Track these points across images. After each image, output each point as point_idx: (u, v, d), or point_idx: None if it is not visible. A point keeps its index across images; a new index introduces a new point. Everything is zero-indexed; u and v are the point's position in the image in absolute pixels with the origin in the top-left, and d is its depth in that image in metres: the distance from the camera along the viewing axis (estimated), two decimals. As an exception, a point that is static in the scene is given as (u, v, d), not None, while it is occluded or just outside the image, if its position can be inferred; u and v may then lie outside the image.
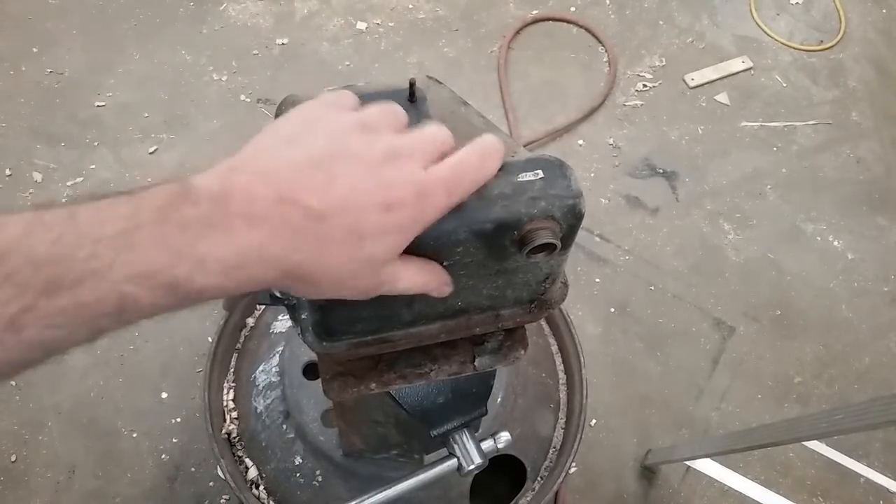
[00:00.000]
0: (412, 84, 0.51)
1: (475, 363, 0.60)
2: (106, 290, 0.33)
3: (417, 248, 0.42)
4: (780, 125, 1.88)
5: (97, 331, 0.34)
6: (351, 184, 0.37)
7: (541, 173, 0.44)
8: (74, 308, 0.32)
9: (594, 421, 1.44)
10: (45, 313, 0.32)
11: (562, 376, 1.18)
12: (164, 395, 1.40)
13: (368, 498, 0.75)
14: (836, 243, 1.72)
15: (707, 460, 1.35)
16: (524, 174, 0.44)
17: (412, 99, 0.51)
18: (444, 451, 0.77)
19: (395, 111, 0.43)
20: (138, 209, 0.34)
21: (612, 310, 1.57)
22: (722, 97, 1.90)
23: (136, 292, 0.33)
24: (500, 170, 0.43)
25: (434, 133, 0.42)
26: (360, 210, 0.37)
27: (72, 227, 0.33)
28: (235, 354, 1.15)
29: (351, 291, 0.41)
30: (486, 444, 0.77)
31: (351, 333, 0.51)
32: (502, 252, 0.46)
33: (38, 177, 1.62)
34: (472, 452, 0.74)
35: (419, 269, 0.43)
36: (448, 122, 0.44)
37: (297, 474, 1.01)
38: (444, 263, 0.45)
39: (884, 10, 2.11)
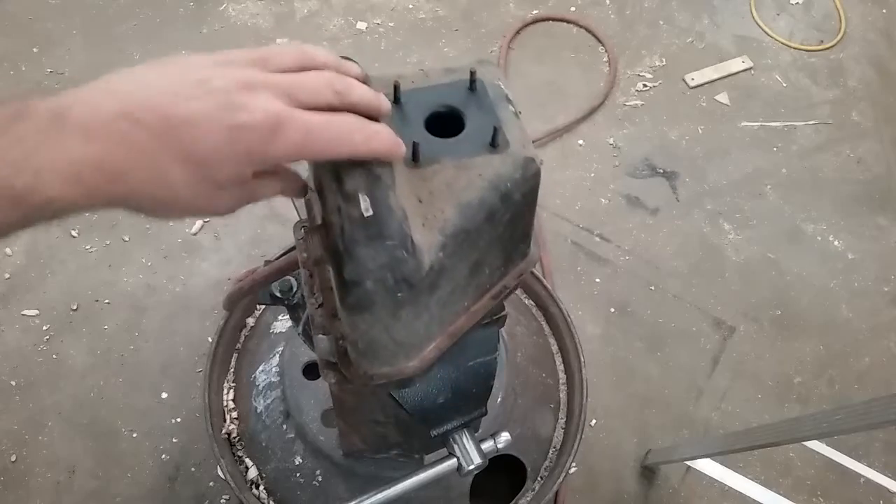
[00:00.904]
0: (472, 73, 0.52)
1: None
2: None
3: None
4: (780, 125, 1.88)
5: None
6: (197, 106, 0.37)
7: None
8: None
9: (594, 421, 1.44)
10: None
11: (562, 376, 1.18)
12: (165, 395, 1.40)
13: (368, 498, 0.75)
14: (836, 243, 1.71)
15: (707, 460, 1.35)
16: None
17: (472, 88, 0.52)
18: (444, 451, 0.77)
19: (273, 52, 0.42)
20: None
21: (613, 310, 1.57)
22: (722, 97, 1.90)
23: None
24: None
25: (314, 80, 0.41)
26: (203, 130, 0.37)
27: None
28: (235, 354, 1.15)
29: (205, 211, 0.41)
30: (486, 445, 0.77)
31: None
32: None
33: (38, 177, 1.62)
34: (471, 452, 0.74)
35: (275, 179, 0.44)
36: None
37: (297, 474, 1.01)
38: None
39: (884, 10, 2.11)
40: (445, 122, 0.51)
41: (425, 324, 0.53)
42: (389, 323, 0.51)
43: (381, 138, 0.43)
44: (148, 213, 0.40)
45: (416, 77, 0.53)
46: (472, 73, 0.52)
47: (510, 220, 0.52)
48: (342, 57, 0.47)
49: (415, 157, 0.47)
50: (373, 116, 0.43)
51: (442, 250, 0.47)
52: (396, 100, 0.50)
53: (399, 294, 0.48)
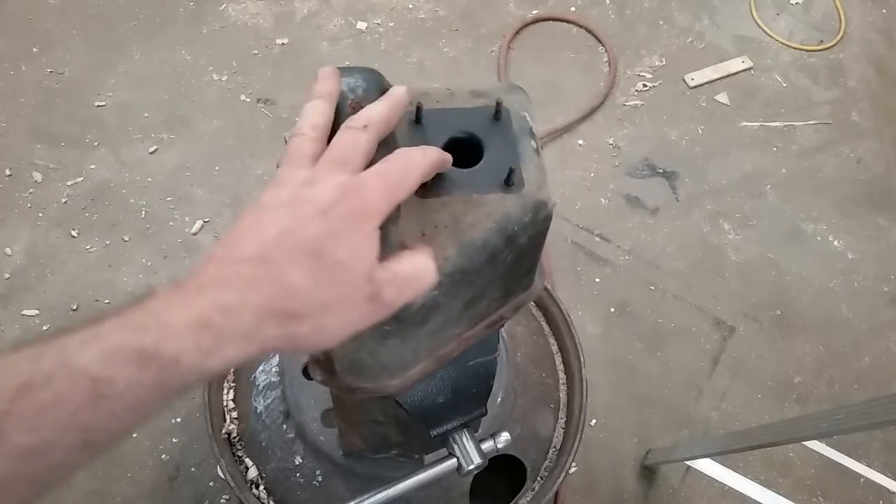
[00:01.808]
0: (499, 104, 0.51)
1: None
2: (77, 376, 0.32)
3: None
4: (780, 125, 1.88)
5: (83, 429, 0.33)
6: (276, 219, 0.38)
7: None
8: (52, 403, 0.32)
9: (594, 421, 1.44)
10: (24, 415, 0.32)
11: (562, 376, 1.17)
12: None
13: (368, 498, 0.75)
14: (836, 243, 1.72)
15: (707, 460, 1.35)
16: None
17: (497, 117, 0.51)
18: (443, 451, 0.77)
19: (297, 147, 0.43)
20: (104, 316, 0.35)
21: (612, 310, 1.57)
22: (722, 97, 1.90)
23: (107, 372, 0.33)
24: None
25: (340, 139, 0.43)
26: (297, 230, 0.38)
27: (43, 343, 0.34)
28: (235, 354, 1.14)
29: (356, 310, 0.40)
30: (486, 444, 0.77)
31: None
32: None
33: (38, 177, 1.62)
34: (471, 452, 0.74)
35: (410, 253, 0.43)
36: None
37: (297, 474, 1.01)
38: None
39: (884, 10, 2.11)
40: (464, 150, 0.50)
41: (412, 350, 0.53)
42: (375, 349, 0.51)
43: (431, 153, 0.45)
44: (304, 339, 0.39)
45: (442, 96, 0.52)
46: (498, 104, 0.51)
47: (514, 259, 0.51)
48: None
49: (425, 185, 0.47)
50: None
51: (437, 289, 0.46)
52: (418, 119, 0.50)
53: (386, 327, 0.48)
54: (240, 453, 1.05)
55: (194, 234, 1.58)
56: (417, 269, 0.43)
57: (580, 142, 1.79)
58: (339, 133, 0.44)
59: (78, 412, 0.33)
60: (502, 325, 0.60)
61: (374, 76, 0.51)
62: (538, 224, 0.50)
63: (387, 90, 0.49)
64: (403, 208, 0.45)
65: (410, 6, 1.97)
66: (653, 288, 1.61)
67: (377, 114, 0.45)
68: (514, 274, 0.54)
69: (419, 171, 0.43)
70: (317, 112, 0.45)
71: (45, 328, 1.44)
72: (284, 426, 1.03)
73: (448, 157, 0.47)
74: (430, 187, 0.47)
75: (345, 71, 0.50)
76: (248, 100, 1.77)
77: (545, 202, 0.49)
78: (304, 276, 0.37)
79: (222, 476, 1.00)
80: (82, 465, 0.35)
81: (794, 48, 2.00)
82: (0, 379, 0.32)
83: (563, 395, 1.15)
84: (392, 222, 0.44)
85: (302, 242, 0.37)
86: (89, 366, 0.33)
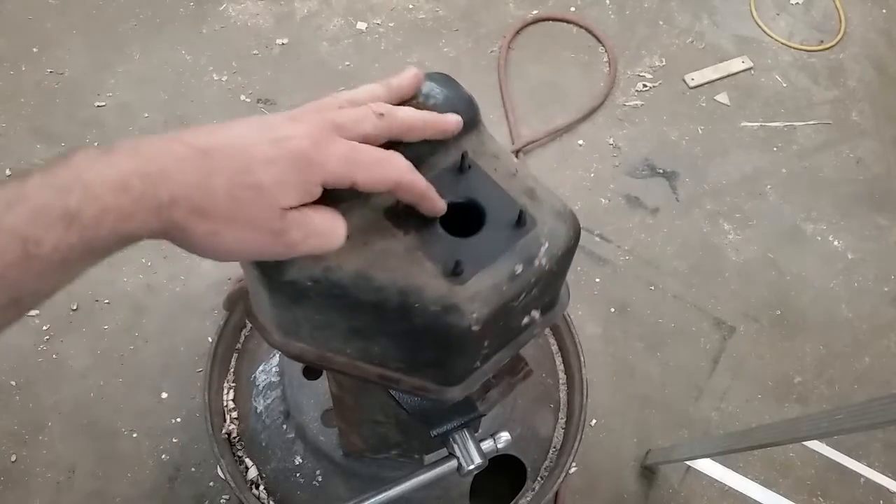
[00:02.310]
0: (464, 156, 0.49)
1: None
2: (6, 235, 0.33)
3: None
4: (780, 125, 1.88)
5: (12, 287, 0.34)
6: (240, 130, 0.40)
7: None
8: None
9: (594, 421, 1.44)
10: None
11: (562, 376, 1.18)
12: (164, 395, 1.40)
13: (368, 498, 0.75)
14: (836, 243, 1.71)
15: (707, 460, 1.35)
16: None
17: (462, 170, 0.50)
18: (444, 451, 0.76)
19: (324, 101, 0.45)
20: (30, 170, 0.35)
21: (612, 310, 1.57)
22: (722, 97, 1.90)
23: (35, 232, 0.34)
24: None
25: (348, 110, 0.44)
26: (248, 144, 0.39)
27: None
28: (235, 354, 1.15)
29: (258, 235, 0.40)
30: (486, 444, 0.77)
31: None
32: None
33: (38, 177, 1.62)
34: (471, 452, 0.74)
35: (332, 212, 0.44)
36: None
37: (298, 474, 1.01)
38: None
39: (884, 10, 2.11)
40: (461, 216, 0.49)
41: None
42: (261, 301, 0.54)
43: (418, 179, 0.45)
44: (196, 235, 0.39)
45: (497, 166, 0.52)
46: (464, 155, 0.49)
47: (542, 286, 0.51)
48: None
49: (455, 272, 0.46)
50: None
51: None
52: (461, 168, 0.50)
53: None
54: (240, 453, 1.05)
55: (194, 234, 1.57)
56: (328, 226, 0.43)
57: (580, 142, 1.79)
58: (358, 106, 0.45)
59: (7, 271, 0.34)
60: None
61: (455, 90, 0.51)
62: (568, 242, 0.50)
63: (471, 110, 0.50)
64: None
65: (410, 6, 1.97)
66: (653, 288, 1.61)
67: (406, 117, 0.46)
68: (540, 297, 0.54)
69: (394, 175, 0.44)
70: (365, 91, 0.46)
71: (45, 328, 1.44)
72: (284, 426, 1.03)
73: (440, 207, 0.46)
74: (459, 273, 0.46)
75: (430, 76, 0.51)
76: (248, 100, 1.77)
77: (565, 219, 0.49)
78: (226, 183, 0.38)
79: (222, 476, 1.00)
80: (8, 325, 0.36)
81: (794, 48, 2.00)
82: None
83: (563, 395, 1.15)
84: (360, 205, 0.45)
85: (242, 156, 0.39)
86: (18, 225, 0.33)
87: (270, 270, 0.47)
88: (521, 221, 0.48)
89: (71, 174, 0.35)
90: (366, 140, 0.43)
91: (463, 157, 0.49)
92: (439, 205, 0.47)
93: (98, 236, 0.36)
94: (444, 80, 0.52)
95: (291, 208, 0.41)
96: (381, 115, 0.44)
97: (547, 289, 0.53)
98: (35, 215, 0.34)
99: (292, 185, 0.40)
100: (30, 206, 0.34)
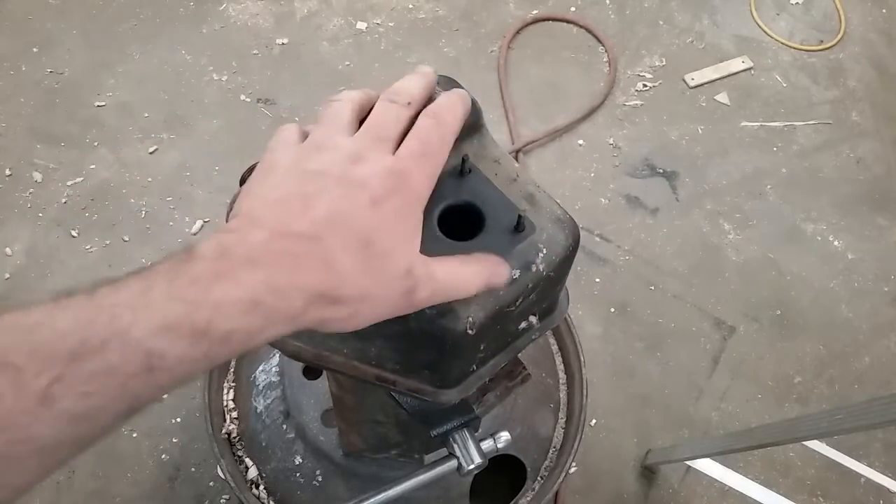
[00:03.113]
0: (464, 160, 0.48)
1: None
2: (131, 348, 0.33)
3: None
4: (780, 125, 1.88)
5: (132, 397, 0.34)
6: (328, 197, 0.38)
7: None
8: (104, 372, 0.32)
9: (594, 421, 1.44)
10: (76, 381, 0.32)
11: (562, 376, 1.17)
12: (164, 395, 1.40)
13: (368, 498, 0.75)
14: (836, 243, 1.71)
15: (707, 460, 1.35)
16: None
17: (462, 173, 0.49)
18: (443, 451, 0.76)
19: (337, 112, 0.43)
20: (149, 275, 0.34)
21: (612, 310, 1.57)
22: (722, 97, 1.90)
23: (160, 346, 0.33)
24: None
25: (383, 114, 0.42)
26: (349, 214, 0.38)
27: (90, 300, 0.33)
28: (235, 354, 1.14)
29: (390, 302, 0.40)
30: (486, 444, 0.77)
31: None
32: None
33: (38, 177, 1.62)
34: (471, 452, 0.74)
35: (460, 262, 0.43)
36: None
37: (298, 474, 1.01)
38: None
39: (884, 10, 2.11)
40: (460, 219, 0.48)
41: None
42: None
43: (450, 105, 0.45)
44: (337, 320, 0.39)
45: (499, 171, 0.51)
46: (465, 159, 0.48)
47: (540, 291, 0.50)
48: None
49: None
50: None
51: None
52: (462, 172, 0.49)
53: None
54: (240, 453, 1.05)
55: (194, 235, 1.58)
56: (457, 278, 0.42)
57: (580, 142, 1.79)
58: (381, 105, 0.43)
59: (129, 382, 0.33)
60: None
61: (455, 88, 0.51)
62: (567, 249, 0.49)
63: (473, 114, 0.49)
64: None
65: (410, 6, 1.97)
66: (653, 288, 1.61)
67: (420, 92, 0.44)
68: (538, 302, 0.53)
69: (453, 135, 0.44)
70: (364, 94, 0.45)
71: (45, 328, 1.44)
72: (284, 426, 1.03)
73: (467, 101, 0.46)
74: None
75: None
76: (248, 100, 1.77)
77: (564, 226, 0.49)
78: (353, 263, 0.37)
79: (222, 476, 1.00)
80: (119, 427, 0.35)
81: (794, 48, 2.00)
82: (52, 340, 0.32)
83: (563, 395, 1.15)
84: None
85: (353, 228, 0.37)
86: (144, 338, 0.33)
87: None
88: (519, 227, 0.47)
89: (197, 289, 0.34)
90: (406, 133, 0.42)
91: (463, 160, 0.48)
92: (466, 101, 0.46)
93: (224, 353, 0.35)
94: (447, 82, 0.51)
95: (415, 265, 0.40)
96: (409, 103, 0.43)
97: (545, 294, 0.53)
98: (164, 330, 0.33)
99: (407, 236, 0.40)
100: (157, 319, 0.33)
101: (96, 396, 0.32)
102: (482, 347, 0.51)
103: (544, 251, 0.48)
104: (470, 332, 0.46)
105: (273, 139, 0.44)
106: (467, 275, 0.43)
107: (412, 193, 0.40)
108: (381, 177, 0.39)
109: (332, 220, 0.37)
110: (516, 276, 0.47)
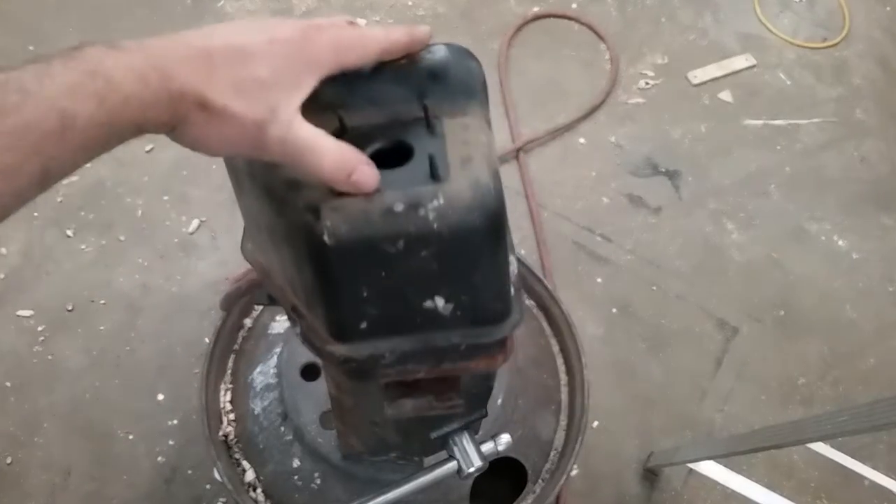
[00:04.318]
0: (426, 108, 0.49)
1: None
2: (45, 106, 0.35)
3: None
4: (783, 123, 1.86)
5: (46, 157, 0.36)
6: (240, 31, 0.44)
7: None
8: (22, 127, 0.35)
9: (596, 423, 1.43)
10: None
11: (563, 377, 1.17)
12: (161, 396, 1.39)
13: (367, 501, 0.75)
14: (840, 243, 1.70)
15: (710, 462, 1.34)
16: None
17: (431, 129, 0.50)
18: (443, 454, 0.76)
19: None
20: (46, 59, 0.38)
21: (614, 310, 1.56)
22: (725, 95, 1.88)
23: (71, 105, 0.36)
24: None
25: (353, 27, 0.48)
26: (244, 43, 0.43)
27: None
28: (233, 356, 1.13)
29: (246, 126, 0.43)
30: (486, 447, 0.76)
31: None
32: None
33: (34, 175, 1.60)
34: (471, 455, 0.73)
35: (326, 137, 0.44)
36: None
37: (295, 477, 1.00)
38: None
39: (888, 8, 2.09)
40: (397, 155, 0.49)
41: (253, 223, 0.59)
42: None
43: (396, 34, 0.49)
44: (196, 122, 0.42)
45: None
46: (426, 110, 0.50)
47: (441, 260, 0.48)
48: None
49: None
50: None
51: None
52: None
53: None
54: (237, 456, 1.04)
55: (191, 234, 1.56)
56: (315, 144, 0.44)
57: (581, 140, 1.78)
58: (364, 27, 0.49)
59: (44, 141, 0.36)
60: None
61: (463, 58, 0.53)
62: (473, 212, 0.46)
63: (469, 77, 0.54)
64: None
65: (410, 3, 1.95)
66: (655, 288, 1.59)
67: (395, 39, 0.48)
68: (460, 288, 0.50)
69: (377, 45, 0.48)
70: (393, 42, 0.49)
71: (40, 329, 1.43)
72: (282, 428, 1.02)
73: (426, 34, 0.50)
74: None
75: (438, 43, 0.52)
76: (247, 98, 1.76)
77: (482, 185, 0.46)
78: (228, 75, 0.42)
79: (219, 479, 0.99)
80: (31, 199, 0.38)
81: (798, 46, 1.99)
82: None
83: (564, 397, 1.14)
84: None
85: (242, 50, 0.43)
86: (55, 98, 0.36)
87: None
88: (432, 173, 0.46)
89: (91, 63, 0.37)
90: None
91: (425, 108, 0.49)
92: (425, 33, 0.50)
93: (122, 119, 0.38)
94: (461, 52, 0.53)
95: (280, 108, 0.43)
96: (352, 22, 0.49)
97: (453, 271, 0.49)
98: (71, 90, 0.36)
99: (286, 80, 0.43)
100: (63, 82, 0.36)
101: (12, 152, 0.35)
102: (364, 293, 0.49)
103: (441, 201, 0.46)
104: (329, 241, 0.45)
105: None
106: (326, 147, 0.44)
107: (307, 54, 0.44)
108: (289, 28, 0.45)
109: (227, 43, 0.43)
110: (399, 208, 0.46)
